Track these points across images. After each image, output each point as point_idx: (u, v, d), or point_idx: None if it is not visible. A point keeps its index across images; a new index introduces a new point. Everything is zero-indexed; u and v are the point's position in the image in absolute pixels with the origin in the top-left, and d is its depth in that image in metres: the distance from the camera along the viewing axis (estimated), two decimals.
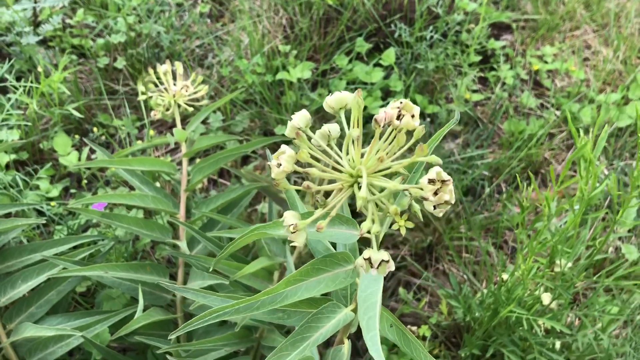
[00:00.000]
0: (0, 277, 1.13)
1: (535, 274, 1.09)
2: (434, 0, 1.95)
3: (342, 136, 0.66)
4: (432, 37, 1.90)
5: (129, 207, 1.51)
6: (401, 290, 1.46)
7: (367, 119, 1.84)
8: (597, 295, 1.13)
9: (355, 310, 0.72)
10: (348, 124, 0.66)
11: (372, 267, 0.60)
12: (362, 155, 0.62)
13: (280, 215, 1.54)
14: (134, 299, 1.22)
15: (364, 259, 0.60)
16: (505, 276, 1.19)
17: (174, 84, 1.18)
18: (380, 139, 0.62)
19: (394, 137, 0.61)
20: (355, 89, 1.85)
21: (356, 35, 1.99)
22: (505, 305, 1.14)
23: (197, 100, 1.27)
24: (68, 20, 2.05)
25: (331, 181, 0.61)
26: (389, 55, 1.92)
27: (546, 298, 1.16)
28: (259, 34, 1.97)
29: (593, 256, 1.04)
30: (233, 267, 1.04)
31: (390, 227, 0.68)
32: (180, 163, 1.57)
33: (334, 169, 0.63)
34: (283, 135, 1.72)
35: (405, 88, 1.85)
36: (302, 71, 1.80)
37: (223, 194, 1.15)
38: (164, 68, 1.16)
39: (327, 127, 0.64)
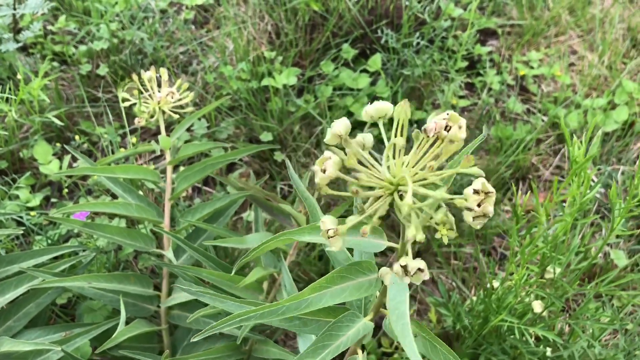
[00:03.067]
0: None
1: (526, 282, 1.08)
2: (420, 7, 1.94)
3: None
4: (418, 43, 1.89)
5: (112, 217, 1.48)
6: None
7: (355, 125, 1.83)
8: (588, 302, 1.11)
9: (372, 320, 0.73)
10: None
11: (406, 275, 0.59)
12: (403, 164, 0.61)
13: (268, 224, 1.51)
14: (116, 311, 1.19)
15: (401, 266, 0.59)
16: (495, 284, 1.17)
17: (159, 91, 1.15)
18: (418, 148, 0.61)
19: (436, 147, 0.60)
20: (342, 95, 1.83)
21: (342, 42, 1.98)
22: (496, 314, 1.12)
23: (182, 107, 1.24)
24: (49, 27, 2.02)
25: (370, 188, 0.61)
26: (375, 61, 1.90)
27: (537, 306, 1.15)
28: (244, 40, 1.95)
29: (590, 262, 1.03)
30: (225, 278, 1.01)
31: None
32: (164, 171, 1.54)
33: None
34: (269, 142, 1.70)
35: (392, 94, 1.84)
36: (287, 77, 1.78)
37: (210, 202, 1.12)
38: (148, 74, 1.13)
39: (361, 137, 0.66)
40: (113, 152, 1.65)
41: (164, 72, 1.14)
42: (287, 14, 2.03)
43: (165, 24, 2.09)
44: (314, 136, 1.73)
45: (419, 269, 0.60)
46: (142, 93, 1.18)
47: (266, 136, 1.68)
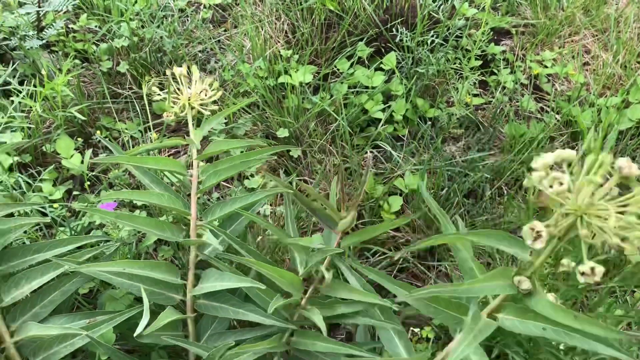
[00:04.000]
0: (4, 277, 1.13)
1: (541, 274, 1.10)
2: (435, 6, 1.96)
3: None
4: (433, 41, 1.91)
5: (132, 209, 1.52)
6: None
7: (369, 122, 1.86)
8: (605, 297, 1.13)
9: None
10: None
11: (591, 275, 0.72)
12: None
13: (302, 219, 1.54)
14: (137, 300, 1.22)
15: (590, 269, 0.71)
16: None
17: (189, 87, 1.18)
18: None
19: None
20: (357, 92, 1.86)
21: (357, 40, 2.01)
22: None
23: (209, 104, 1.27)
24: (71, 25, 2.06)
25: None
26: (390, 60, 1.93)
27: (550, 298, 1.16)
28: (261, 38, 1.99)
29: (604, 258, 1.04)
30: (269, 269, 1.04)
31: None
32: (188, 165, 1.57)
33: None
34: (285, 138, 1.73)
35: (407, 92, 1.86)
36: (304, 75, 1.81)
37: (244, 196, 1.14)
38: (179, 71, 1.16)
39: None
40: (133, 147, 1.69)
41: (194, 69, 1.17)
42: (303, 13, 2.06)
43: (183, 23, 2.13)
44: (330, 133, 1.75)
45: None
46: (163, 89, 1.21)
47: (282, 132, 1.71)
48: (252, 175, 1.66)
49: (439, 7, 1.93)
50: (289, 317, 1.10)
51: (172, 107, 1.22)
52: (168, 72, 1.20)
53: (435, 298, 0.94)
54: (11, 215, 1.23)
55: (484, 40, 1.83)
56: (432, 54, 1.92)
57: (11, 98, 1.64)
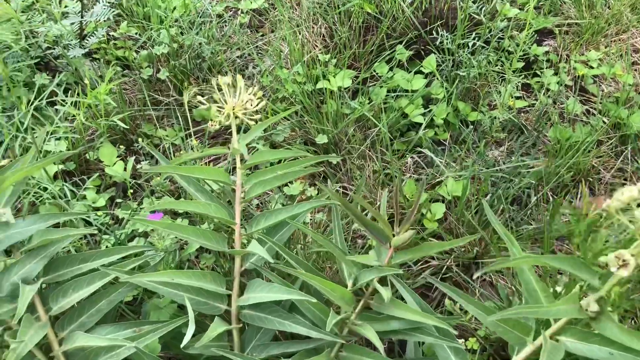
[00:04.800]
0: (52, 287, 1.15)
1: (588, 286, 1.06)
2: (476, 7, 1.92)
3: None
4: (474, 44, 1.87)
5: (174, 217, 1.52)
6: (447, 301, 1.44)
7: (408, 126, 1.83)
8: None
9: None
10: None
11: None
12: None
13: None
14: (180, 308, 1.23)
15: None
16: (558, 289, 1.15)
17: (234, 96, 1.17)
18: None
19: None
20: (396, 96, 1.83)
21: (396, 43, 1.98)
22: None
23: (253, 113, 1.26)
24: (112, 33, 2.09)
25: None
26: (431, 62, 1.90)
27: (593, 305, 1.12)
28: (299, 43, 1.98)
29: None
30: (321, 283, 1.03)
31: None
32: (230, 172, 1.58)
33: None
34: (324, 144, 1.71)
35: (447, 95, 1.82)
36: (342, 80, 1.80)
37: (290, 206, 1.13)
38: (225, 80, 1.15)
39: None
40: (174, 155, 1.70)
41: (240, 79, 1.16)
42: (341, 16, 2.05)
43: (221, 29, 2.13)
44: (369, 138, 1.73)
45: None
46: (201, 96, 1.21)
47: (321, 138, 1.70)
48: (291, 182, 1.65)
49: (480, 9, 1.89)
50: (337, 331, 1.09)
51: (217, 116, 1.22)
52: (213, 80, 1.19)
53: (504, 318, 0.92)
54: (57, 225, 1.25)
55: (530, 42, 1.78)
56: (473, 56, 1.88)
57: (55, 107, 1.67)
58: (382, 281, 1.12)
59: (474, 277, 1.09)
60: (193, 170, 1.17)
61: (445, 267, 1.49)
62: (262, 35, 2.18)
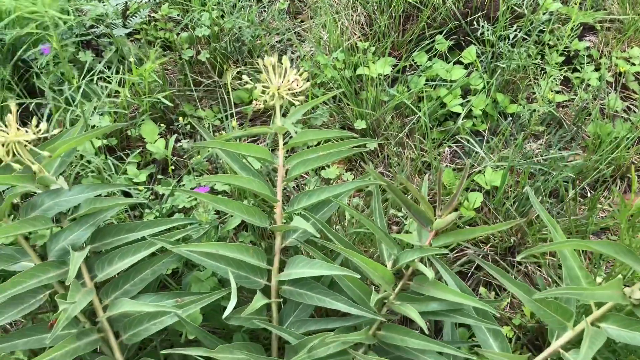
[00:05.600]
0: (99, 254, 1.18)
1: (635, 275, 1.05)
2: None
3: None
4: (515, 35, 1.86)
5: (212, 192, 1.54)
6: (482, 289, 1.44)
7: (447, 116, 1.83)
8: None
9: None
10: None
11: None
12: None
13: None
14: (221, 283, 1.25)
15: None
16: (598, 279, 1.15)
17: (280, 77, 1.19)
18: None
19: None
20: (435, 86, 1.83)
21: (436, 33, 1.98)
22: None
23: (295, 95, 1.27)
24: (153, 14, 2.11)
25: None
26: (470, 53, 1.89)
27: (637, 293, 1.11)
28: (338, 30, 1.98)
29: None
30: (363, 261, 1.04)
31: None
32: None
33: None
34: (362, 130, 1.72)
35: (487, 87, 1.82)
36: (383, 67, 1.80)
37: (333, 186, 1.14)
38: (271, 60, 1.17)
39: None
40: (213, 134, 1.72)
41: (285, 59, 1.17)
42: (381, 5, 2.05)
43: (260, 13, 2.15)
44: (407, 126, 1.74)
45: None
46: (247, 77, 1.22)
47: (360, 124, 1.70)
48: (328, 166, 1.66)
49: (523, 1, 1.88)
50: (375, 310, 1.10)
51: (261, 96, 1.23)
52: (260, 61, 1.21)
53: (546, 301, 0.92)
54: (98, 196, 1.27)
55: (572, 36, 1.76)
56: (514, 49, 1.87)
57: (100, 83, 1.69)
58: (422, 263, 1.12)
59: (518, 258, 1.09)
60: (239, 147, 1.19)
61: (481, 255, 1.49)
62: (301, 22, 2.19)
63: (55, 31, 1.51)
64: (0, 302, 1.05)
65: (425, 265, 1.08)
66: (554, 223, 1.02)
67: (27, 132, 1.13)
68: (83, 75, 1.64)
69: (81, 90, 1.50)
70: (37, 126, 1.13)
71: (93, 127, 1.54)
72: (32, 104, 1.67)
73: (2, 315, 1.09)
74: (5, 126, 1.11)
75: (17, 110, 1.12)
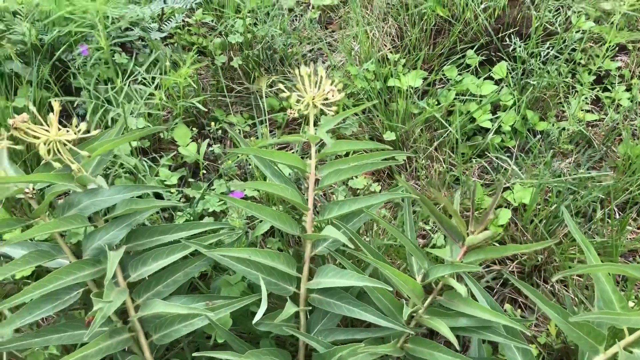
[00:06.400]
0: (132, 255, 1.19)
1: None
2: (551, 17, 1.91)
3: None
4: (547, 53, 1.86)
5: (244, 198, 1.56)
6: (507, 306, 1.44)
7: (475, 131, 1.83)
8: None
9: None
10: None
11: None
12: None
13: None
14: (250, 288, 1.26)
15: None
16: (631, 303, 1.14)
17: (314, 87, 1.20)
18: None
19: None
20: (464, 100, 1.84)
21: (467, 48, 1.98)
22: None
23: (330, 105, 1.29)
24: (187, 19, 2.15)
25: None
26: (501, 69, 1.89)
27: None
28: (369, 41, 2.00)
29: None
30: (394, 273, 1.04)
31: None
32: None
33: None
34: (391, 141, 1.73)
35: (517, 103, 1.82)
36: (414, 79, 1.81)
37: (366, 197, 1.15)
38: (306, 70, 1.18)
39: None
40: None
41: (321, 70, 1.19)
42: (412, 17, 2.06)
43: (292, 22, 2.17)
44: (437, 140, 1.74)
45: None
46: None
47: (389, 135, 1.71)
48: (356, 176, 1.67)
49: (556, 19, 1.88)
50: (404, 322, 1.10)
51: (296, 105, 1.24)
52: (295, 70, 1.22)
53: (579, 324, 0.93)
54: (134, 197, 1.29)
55: (606, 56, 1.76)
56: (545, 66, 1.87)
57: (134, 85, 1.72)
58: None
59: (553, 279, 1.09)
60: (273, 154, 1.20)
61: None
62: (332, 32, 2.21)
63: (104, 30, 1.54)
64: (37, 297, 1.08)
65: (456, 281, 1.09)
66: (589, 245, 1.02)
67: (67, 131, 1.15)
68: (122, 77, 1.67)
69: (124, 92, 1.53)
70: (77, 126, 1.15)
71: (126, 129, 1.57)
72: (69, 103, 1.71)
73: (38, 310, 1.11)
74: (47, 125, 1.13)
75: (58, 111, 1.15)
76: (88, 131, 1.16)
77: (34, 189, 1.19)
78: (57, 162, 1.14)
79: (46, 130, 1.14)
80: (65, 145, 1.15)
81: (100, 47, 1.82)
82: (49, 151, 1.15)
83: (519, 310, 1.45)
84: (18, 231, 1.39)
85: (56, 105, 1.16)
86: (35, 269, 1.35)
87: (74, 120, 1.15)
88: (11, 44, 1.70)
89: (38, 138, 1.13)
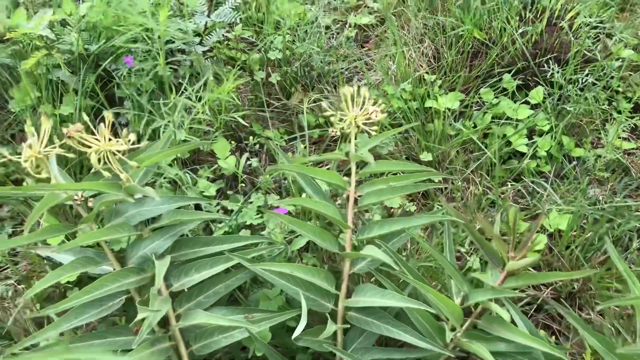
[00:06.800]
0: (175, 265, 1.22)
1: None
2: (590, 44, 1.91)
3: None
4: (585, 79, 1.86)
5: None
6: (542, 332, 1.43)
7: (511, 154, 1.83)
8: None
9: None
10: None
11: None
12: None
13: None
14: (289, 303, 1.27)
15: None
16: None
17: (356, 107, 1.22)
18: None
19: None
20: (500, 124, 1.84)
21: (504, 71, 1.99)
22: None
23: (371, 124, 1.31)
24: (226, 34, 2.19)
25: None
26: (538, 93, 1.90)
27: None
28: (406, 61, 2.02)
29: None
30: (434, 295, 1.05)
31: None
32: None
33: None
34: (428, 162, 1.74)
35: (554, 129, 1.82)
36: (452, 101, 1.82)
37: (409, 218, 1.16)
38: (350, 90, 1.21)
39: None
40: (278, 155, 1.77)
41: (364, 90, 1.21)
42: (449, 39, 2.08)
43: (329, 40, 2.20)
44: (473, 162, 1.75)
45: None
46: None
47: (426, 156, 1.73)
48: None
49: (596, 46, 1.88)
50: (442, 345, 1.11)
51: (338, 124, 1.27)
52: (341, 90, 1.25)
53: (623, 355, 0.92)
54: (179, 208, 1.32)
55: None
56: (582, 93, 1.87)
57: (176, 97, 1.76)
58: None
59: (598, 309, 1.09)
60: (316, 172, 1.22)
61: (541, 298, 1.49)
62: (368, 50, 2.23)
63: (162, 48, 1.58)
64: (83, 302, 1.10)
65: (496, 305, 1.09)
66: (632, 275, 1.02)
67: (117, 142, 1.18)
68: (169, 90, 1.71)
69: (171, 104, 1.56)
70: (126, 137, 1.19)
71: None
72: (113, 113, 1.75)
73: (83, 315, 1.14)
74: (97, 134, 1.16)
75: (110, 121, 1.18)
76: (137, 142, 1.20)
77: (82, 196, 1.23)
78: (106, 171, 1.18)
79: (97, 140, 1.18)
80: (114, 155, 1.19)
81: (144, 58, 1.87)
82: (99, 160, 1.19)
83: (553, 337, 1.44)
84: (62, 236, 1.43)
85: (108, 116, 1.20)
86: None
87: (124, 131, 1.18)
88: (60, 53, 1.75)
89: (89, 147, 1.17)
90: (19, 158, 1.11)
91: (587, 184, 1.72)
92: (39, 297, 1.39)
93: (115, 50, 1.82)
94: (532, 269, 1.53)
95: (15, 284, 1.47)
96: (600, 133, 1.88)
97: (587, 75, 1.87)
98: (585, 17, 1.97)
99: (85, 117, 1.17)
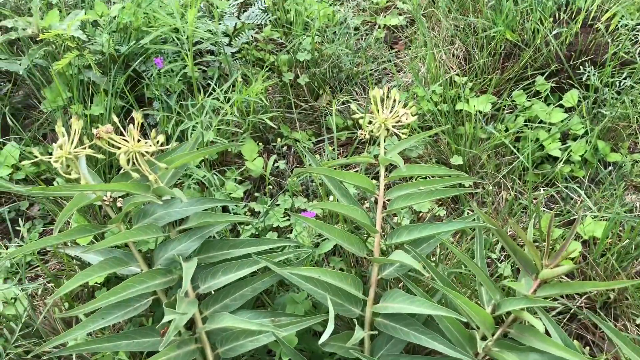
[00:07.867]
0: (202, 267, 1.21)
1: None
2: (629, 46, 1.86)
3: None
4: (623, 82, 1.81)
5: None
6: (575, 343, 1.39)
7: (543, 159, 1.79)
8: None
9: None
10: None
11: None
12: None
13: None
14: (315, 307, 1.26)
15: None
16: None
17: (386, 109, 1.21)
18: None
19: None
20: (533, 127, 1.80)
21: (536, 74, 1.95)
22: None
23: (401, 127, 1.29)
24: (254, 35, 2.19)
25: None
26: (573, 97, 1.85)
27: None
28: (436, 63, 1.99)
29: None
30: (466, 303, 1.03)
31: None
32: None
33: None
34: (459, 166, 1.71)
35: (588, 133, 1.77)
36: (484, 104, 1.79)
37: (437, 224, 1.14)
38: (380, 92, 1.19)
39: None
40: (305, 157, 1.76)
41: (394, 92, 1.19)
42: (480, 41, 2.04)
43: (358, 41, 2.18)
44: (505, 166, 1.71)
45: None
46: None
47: (457, 160, 1.69)
48: None
49: (635, 48, 1.83)
50: (472, 354, 1.08)
51: (368, 126, 1.25)
52: (371, 93, 1.23)
53: None
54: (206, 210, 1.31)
55: None
56: (619, 96, 1.82)
57: (207, 99, 1.76)
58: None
59: (637, 322, 1.05)
60: (345, 175, 1.21)
61: (575, 307, 1.44)
62: (397, 51, 2.21)
63: (191, 49, 1.59)
64: (111, 303, 1.10)
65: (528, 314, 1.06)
66: None
67: (146, 143, 1.18)
68: (197, 91, 1.72)
69: (199, 106, 1.56)
70: (155, 137, 1.18)
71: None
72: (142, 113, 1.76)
73: (110, 316, 1.14)
74: (127, 135, 1.16)
75: (139, 122, 1.18)
76: (166, 143, 1.20)
77: (111, 196, 1.23)
78: (135, 172, 1.18)
79: (126, 141, 1.18)
80: (143, 156, 1.19)
81: (173, 59, 1.88)
82: (127, 161, 1.19)
83: (587, 348, 1.40)
84: (91, 236, 1.44)
85: (137, 117, 1.20)
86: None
87: (153, 132, 1.18)
88: (91, 54, 1.77)
89: (119, 148, 1.17)
90: (50, 158, 1.12)
91: (624, 190, 1.67)
92: (68, 296, 1.40)
93: (145, 51, 1.83)
94: (566, 277, 1.50)
95: (45, 282, 1.48)
96: (637, 137, 1.82)
97: (625, 78, 1.81)
98: (623, 17, 1.91)
99: (115, 118, 1.17)
